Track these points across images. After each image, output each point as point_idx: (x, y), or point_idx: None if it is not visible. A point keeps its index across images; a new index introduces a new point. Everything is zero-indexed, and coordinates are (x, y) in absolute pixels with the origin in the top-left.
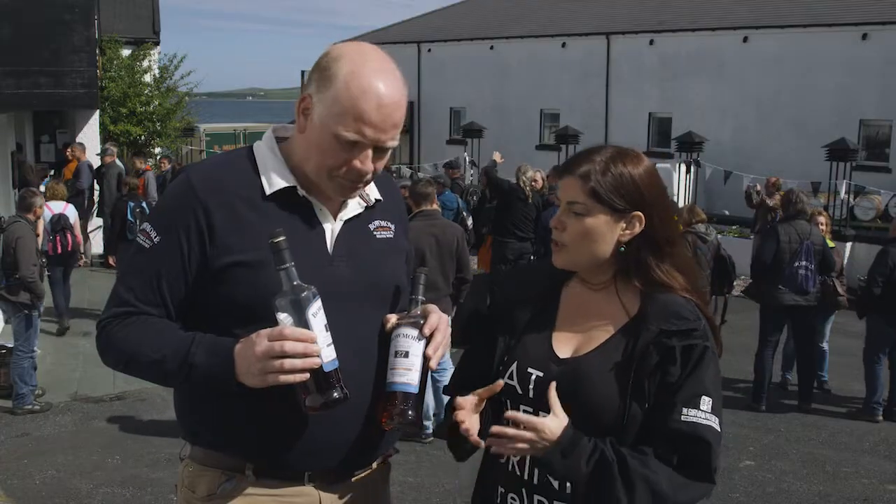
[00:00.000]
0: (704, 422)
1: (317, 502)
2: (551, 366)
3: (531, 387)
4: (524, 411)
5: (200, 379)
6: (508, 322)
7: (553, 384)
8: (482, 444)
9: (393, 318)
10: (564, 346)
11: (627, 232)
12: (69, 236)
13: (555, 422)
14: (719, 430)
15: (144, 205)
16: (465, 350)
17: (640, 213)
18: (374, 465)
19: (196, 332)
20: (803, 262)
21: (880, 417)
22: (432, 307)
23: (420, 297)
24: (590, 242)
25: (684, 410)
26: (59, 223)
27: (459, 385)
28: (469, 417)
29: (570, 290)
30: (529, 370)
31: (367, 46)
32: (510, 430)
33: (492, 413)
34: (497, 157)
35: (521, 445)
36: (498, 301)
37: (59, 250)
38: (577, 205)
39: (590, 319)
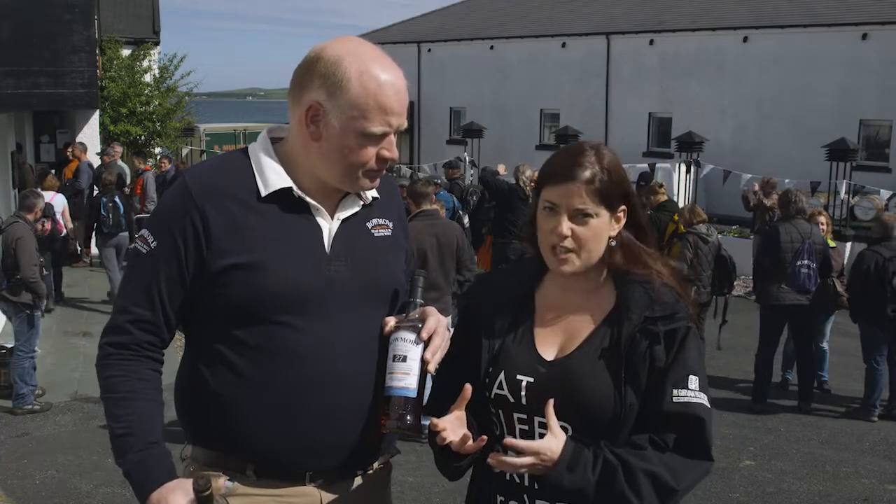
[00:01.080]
0: (695, 400)
1: (318, 502)
2: (539, 369)
3: (523, 394)
4: (518, 419)
5: (125, 474)
6: (487, 330)
7: (551, 402)
8: (482, 442)
9: (391, 322)
10: (548, 347)
11: (617, 227)
12: (50, 223)
13: (554, 442)
14: (709, 406)
15: (117, 199)
16: (441, 364)
17: (625, 207)
18: (375, 465)
19: (156, 439)
20: (805, 262)
21: (875, 418)
22: (430, 310)
23: (418, 299)
24: (597, 244)
25: (674, 392)
26: (45, 211)
27: (441, 401)
28: (455, 435)
29: (544, 291)
30: (518, 377)
31: (354, 41)
32: (510, 460)
33: (482, 423)
34: (501, 169)
35: (523, 469)
36: (472, 310)
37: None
38: (583, 210)
39: (568, 317)
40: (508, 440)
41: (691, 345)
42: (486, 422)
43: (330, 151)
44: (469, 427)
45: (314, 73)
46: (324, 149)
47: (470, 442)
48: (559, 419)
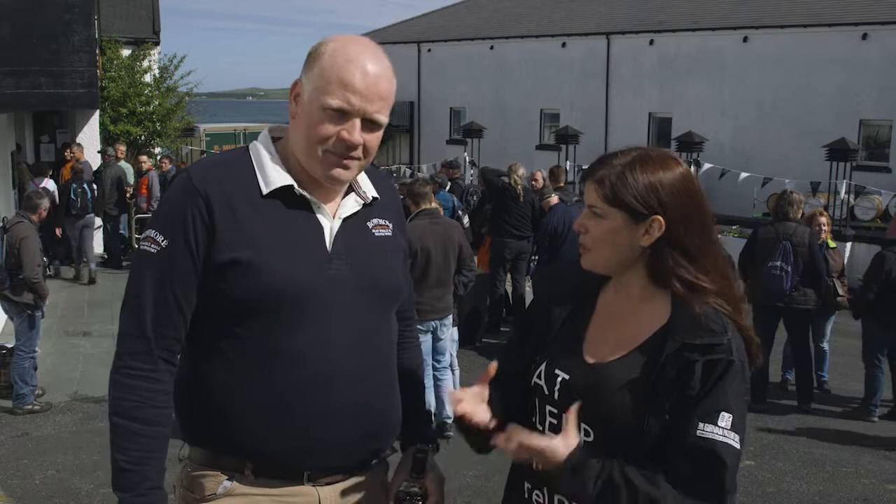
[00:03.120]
0: (721, 438)
1: (316, 502)
2: (576, 370)
3: (556, 388)
4: (549, 412)
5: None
6: (545, 321)
7: (576, 404)
8: (489, 422)
9: (394, 490)
10: (593, 351)
11: (647, 236)
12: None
13: (563, 444)
14: (738, 447)
15: (87, 185)
16: (504, 346)
17: (659, 218)
18: (373, 464)
19: (159, 484)
20: (777, 263)
21: (876, 419)
22: (431, 480)
23: (427, 474)
24: (608, 245)
25: (700, 425)
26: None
27: (495, 381)
28: (470, 406)
29: (606, 296)
30: (556, 371)
31: (354, 35)
32: (513, 448)
33: (523, 411)
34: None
35: (522, 460)
36: (537, 299)
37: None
38: (594, 208)
39: (621, 327)
40: (513, 427)
41: (732, 380)
42: (528, 406)
43: (299, 125)
44: (491, 402)
45: (307, 57)
46: (295, 126)
47: (475, 418)
48: (584, 422)
